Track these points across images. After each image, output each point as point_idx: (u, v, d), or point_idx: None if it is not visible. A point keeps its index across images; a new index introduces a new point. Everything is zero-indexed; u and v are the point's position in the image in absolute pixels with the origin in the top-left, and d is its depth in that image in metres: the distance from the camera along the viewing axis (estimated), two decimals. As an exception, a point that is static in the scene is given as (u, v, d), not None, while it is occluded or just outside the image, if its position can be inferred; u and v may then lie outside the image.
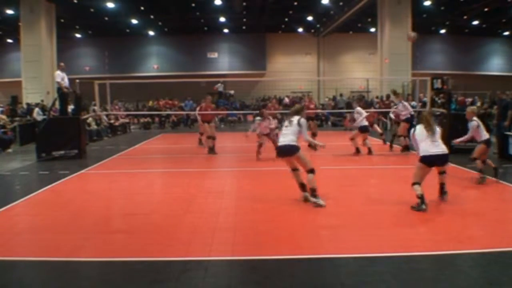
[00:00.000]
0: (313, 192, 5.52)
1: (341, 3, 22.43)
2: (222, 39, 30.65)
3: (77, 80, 11.40)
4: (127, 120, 19.36)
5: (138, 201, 6.17)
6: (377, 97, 22.31)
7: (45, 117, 14.00)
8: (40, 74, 21.16)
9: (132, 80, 23.33)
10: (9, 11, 21.99)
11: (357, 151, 10.21)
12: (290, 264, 3.81)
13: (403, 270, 3.60)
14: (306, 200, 5.72)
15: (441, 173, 5.77)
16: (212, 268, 3.71)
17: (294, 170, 5.78)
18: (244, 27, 29.49)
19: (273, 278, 3.52)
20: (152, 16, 25.82)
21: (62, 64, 11.36)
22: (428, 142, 5.45)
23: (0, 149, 11.71)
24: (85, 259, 3.97)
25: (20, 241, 4.54)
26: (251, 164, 9.23)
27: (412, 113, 10.51)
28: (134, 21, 25.86)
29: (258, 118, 10.01)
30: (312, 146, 9.89)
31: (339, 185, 7.23)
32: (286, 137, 5.67)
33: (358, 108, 10.51)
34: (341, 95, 24.63)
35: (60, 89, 10.89)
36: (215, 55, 30.57)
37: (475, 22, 27.35)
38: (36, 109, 16.14)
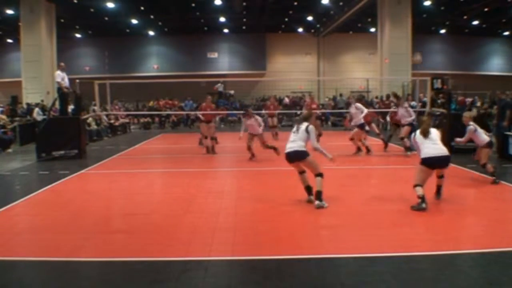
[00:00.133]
0: (319, 195, 5.51)
1: (341, 3, 22.42)
2: (222, 39, 30.65)
3: (77, 80, 11.41)
4: (127, 120, 19.37)
5: (138, 201, 6.17)
6: (376, 97, 22.32)
7: (45, 117, 14.00)
8: (40, 74, 21.16)
9: (132, 80, 23.32)
10: (9, 11, 21.98)
11: (358, 150, 10.20)
12: (290, 264, 3.81)
13: (403, 270, 3.60)
14: (310, 202, 5.70)
15: (440, 177, 5.77)
16: (212, 268, 3.71)
17: (301, 173, 5.77)
18: (244, 27, 29.49)
19: (273, 278, 3.52)
20: (152, 16, 25.82)
21: (62, 64, 11.34)
22: (429, 144, 5.48)
23: (0, 149, 11.71)
24: (85, 259, 3.98)
25: (20, 241, 4.54)
26: (251, 164, 9.23)
27: (414, 117, 10.33)
28: (134, 21, 25.85)
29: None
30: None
31: (339, 185, 7.23)
32: (295, 143, 5.65)
33: (358, 104, 10.43)
34: (341, 95, 24.61)
35: (60, 89, 10.89)
36: (215, 55, 30.57)
37: (475, 22, 27.34)
38: (36, 109, 16.14)
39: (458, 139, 7.34)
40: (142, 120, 21.21)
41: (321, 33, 29.91)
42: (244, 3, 22.92)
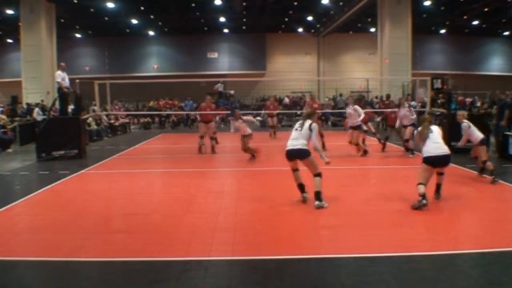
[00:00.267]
0: (318, 195, 5.51)
1: (341, 3, 22.43)
2: (222, 39, 30.66)
3: (77, 80, 11.40)
4: (127, 120, 19.36)
5: (138, 201, 6.17)
6: (376, 97, 22.32)
7: (45, 117, 14.00)
8: (40, 74, 21.16)
9: (132, 80, 23.33)
10: (9, 11, 21.99)
11: (365, 152, 10.07)
12: (290, 264, 3.81)
13: (403, 270, 3.60)
14: (304, 201, 5.71)
15: (440, 174, 5.82)
16: (212, 268, 3.71)
17: (295, 170, 5.77)
18: (244, 27, 29.50)
19: (273, 278, 3.52)
20: (152, 16, 25.83)
21: (62, 64, 11.31)
22: (431, 143, 5.56)
23: (0, 149, 11.71)
24: (85, 259, 3.98)
25: (20, 241, 4.54)
26: (251, 164, 9.24)
27: (415, 116, 10.29)
28: (134, 21, 25.86)
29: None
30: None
31: (339, 185, 7.23)
32: (297, 140, 5.65)
33: (356, 106, 10.38)
34: (340, 95, 24.61)
35: (60, 89, 10.88)
36: (215, 55, 30.58)
37: (475, 22, 27.35)
38: (36, 109, 16.14)
39: (459, 144, 7.45)
40: (142, 120, 21.20)
41: (321, 33, 29.92)
42: (244, 3, 22.92)
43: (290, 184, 6.20)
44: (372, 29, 26.97)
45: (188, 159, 10.43)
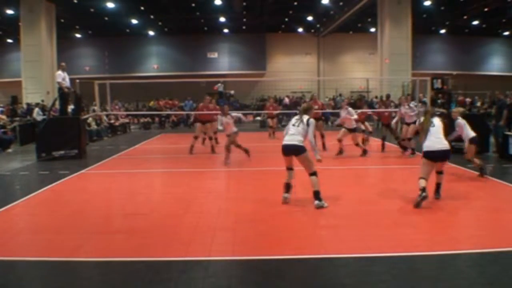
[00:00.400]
0: (317, 195, 5.50)
1: (341, 3, 22.43)
2: (222, 39, 30.65)
3: (77, 80, 11.40)
4: (127, 120, 19.37)
5: (138, 201, 6.17)
6: (376, 97, 22.32)
7: (45, 117, 14.00)
8: (40, 74, 21.16)
9: (132, 80, 23.34)
10: (9, 11, 21.98)
11: (364, 152, 10.07)
12: (290, 264, 3.81)
13: (403, 270, 3.60)
14: (285, 201, 5.69)
15: (439, 173, 5.84)
16: (212, 268, 3.71)
17: (290, 169, 5.77)
18: (244, 27, 29.50)
19: (273, 278, 3.52)
20: (152, 16, 25.83)
21: (63, 64, 11.28)
22: (432, 138, 5.63)
23: (0, 149, 11.71)
24: (85, 259, 3.98)
25: (20, 241, 4.54)
26: (251, 164, 9.23)
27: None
28: (134, 21, 25.86)
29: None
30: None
31: (339, 185, 7.23)
32: (294, 136, 5.62)
33: (350, 108, 10.28)
34: (340, 95, 24.64)
35: (60, 89, 10.88)
36: (215, 55, 30.57)
37: (475, 22, 27.35)
38: (36, 109, 16.14)
39: (449, 137, 7.40)
40: (142, 120, 21.21)
41: (321, 33, 29.92)
42: (244, 3, 22.92)
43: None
44: (372, 29, 26.97)
45: (188, 159, 10.42)
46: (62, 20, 24.02)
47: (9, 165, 9.60)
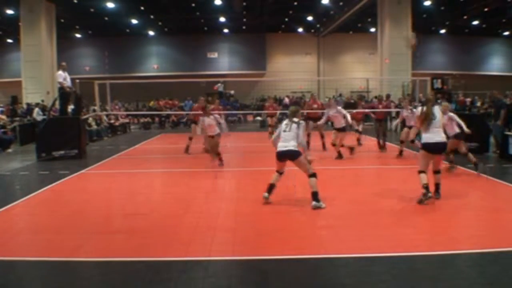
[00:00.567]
0: (315, 196, 5.51)
1: (341, 3, 22.43)
2: (222, 39, 30.65)
3: (77, 80, 11.40)
4: (127, 120, 19.38)
5: (138, 201, 6.18)
6: (375, 97, 22.31)
7: (45, 117, 14.00)
8: (40, 74, 21.15)
9: (132, 80, 23.35)
10: (9, 11, 21.98)
11: (351, 150, 9.95)
12: (290, 264, 3.81)
13: (403, 270, 3.60)
14: (266, 201, 5.68)
15: (437, 172, 5.84)
16: (212, 268, 3.71)
17: (279, 173, 5.80)
18: (244, 27, 29.49)
19: (273, 278, 3.52)
20: (152, 16, 25.83)
21: (63, 63, 11.23)
22: (432, 129, 5.68)
23: (0, 149, 11.71)
24: (85, 259, 3.98)
25: (20, 241, 4.54)
26: (251, 164, 9.24)
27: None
28: (134, 21, 25.86)
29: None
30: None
31: (339, 185, 7.24)
32: (288, 142, 5.64)
33: (340, 108, 10.09)
34: (340, 95, 24.62)
35: (61, 89, 10.87)
36: (215, 55, 30.57)
37: (475, 22, 27.35)
38: (36, 109, 16.14)
39: None
40: (142, 120, 21.21)
41: (321, 33, 29.92)
42: (244, 3, 22.91)
43: (290, 184, 6.21)
44: (372, 29, 26.96)
45: (188, 159, 10.42)
46: (62, 20, 24.02)
47: (9, 165, 9.60)
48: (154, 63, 30.37)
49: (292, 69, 29.58)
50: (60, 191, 6.98)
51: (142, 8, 23.65)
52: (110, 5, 21.56)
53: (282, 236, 4.51)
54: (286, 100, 24.62)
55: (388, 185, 7.26)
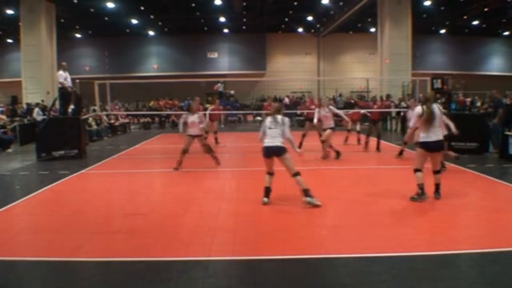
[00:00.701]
0: (307, 193, 5.55)
1: (341, 3, 22.42)
2: (222, 39, 30.64)
3: (77, 80, 11.40)
4: (127, 120, 19.38)
5: (138, 201, 6.18)
6: (374, 97, 22.31)
7: (45, 117, 14.00)
8: (40, 74, 21.15)
9: (132, 80, 23.33)
10: (9, 11, 21.97)
11: (325, 156, 9.73)
12: (290, 264, 3.81)
13: (403, 270, 3.60)
14: (264, 204, 5.69)
15: (436, 172, 5.84)
16: (212, 268, 3.71)
17: (270, 174, 5.81)
18: (244, 27, 29.48)
19: (273, 278, 3.52)
20: (152, 16, 25.81)
21: (64, 63, 11.20)
22: (432, 129, 5.69)
23: (0, 149, 11.71)
24: (85, 259, 3.98)
25: (20, 241, 4.54)
26: (251, 164, 9.24)
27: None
28: (134, 21, 25.85)
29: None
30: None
31: (339, 185, 7.23)
32: (274, 138, 5.68)
33: (331, 107, 9.97)
34: (340, 95, 24.61)
35: (61, 89, 10.86)
36: (215, 55, 30.56)
37: (475, 22, 27.34)
38: (36, 109, 16.15)
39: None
40: (142, 120, 21.21)
41: (321, 33, 29.91)
42: (244, 3, 22.91)
43: (289, 184, 6.21)
44: (372, 29, 26.95)
45: (188, 159, 10.40)
46: (62, 20, 24.01)
47: (9, 165, 9.60)
48: (154, 63, 30.36)
49: (292, 69, 29.57)
50: (60, 191, 6.98)
51: (142, 8, 23.64)
52: (110, 5, 21.55)
53: (282, 236, 4.51)
54: (286, 100, 24.61)
55: (388, 185, 7.25)
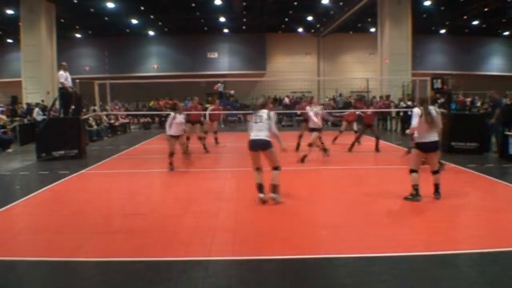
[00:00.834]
0: (275, 189, 5.62)
1: (341, 3, 22.43)
2: (222, 39, 30.65)
3: (77, 80, 11.39)
4: (127, 120, 19.38)
5: (138, 201, 6.17)
6: (374, 97, 22.31)
7: (45, 117, 14.00)
8: (40, 74, 21.16)
9: (132, 80, 23.33)
10: (9, 11, 21.98)
11: (325, 150, 9.67)
12: (290, 264, 3.81)
13: (403, 270, 3.60)
14: (263, 201, 5.70)
15: (435, 172, 5.85)
16: (212, 268, 3.71)
17: (258, 169, 5.82)
18: (244, 27, 29.49)
19: (273, 278, 3.52)
20: (152, 16, 25.82)
21: (64, 63, 11.17)
22: (425, 130, 5.70)
23: (0, 149, 11.71)
24: (85, 259, 3.98)
25: (20, 241, 4.54)
26: (251, 164, 9.21)
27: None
28: (134, 21, 25.86)
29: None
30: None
31: (339, 185, 7.23)
32: (261, 132, 5.70)
33: (319, 107, 9.77)
34: (340, 95, 24.61)
35: (61, 89, 10.85)
36: (215, 55, 30.57)
37: (475, 22, 27.35)
38: (36, 109, 16.14)
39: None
40: (142, 120, 21.20)
41: (321, 33, 29.92)
42: (244, 3, 22.91)
43: (289, 184, 6.21)
44: (372, 29, 26.96)
45: (188, 159, 10.41)
46: (62, 20, 24.02)
47: (9, 165, 9.60)
48: (154, 63, 30.36)
49: (292, 69, 29.58)
50: (60, 191, 6.98)
51: (142, 8, 23.65)
52: (110, 5, 21.56)
53: (282, 236, 4.51)
54: (286, 100, 24.63)
55: (388, 185, 7.25)
